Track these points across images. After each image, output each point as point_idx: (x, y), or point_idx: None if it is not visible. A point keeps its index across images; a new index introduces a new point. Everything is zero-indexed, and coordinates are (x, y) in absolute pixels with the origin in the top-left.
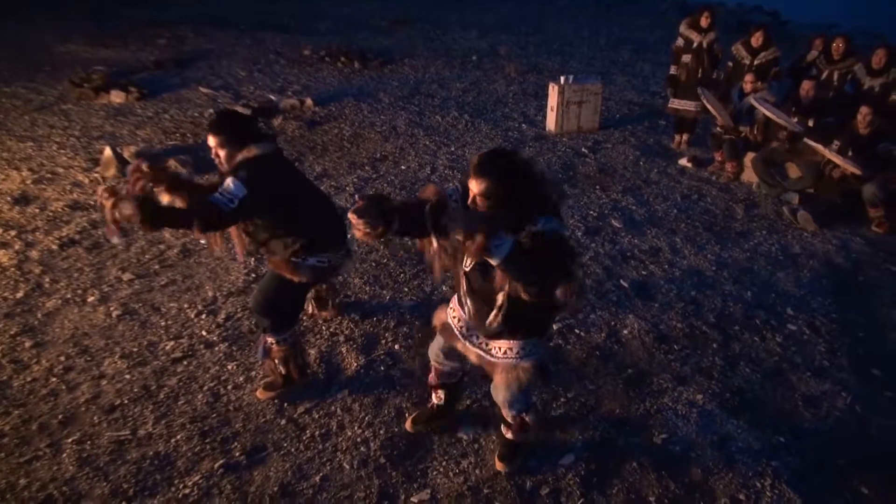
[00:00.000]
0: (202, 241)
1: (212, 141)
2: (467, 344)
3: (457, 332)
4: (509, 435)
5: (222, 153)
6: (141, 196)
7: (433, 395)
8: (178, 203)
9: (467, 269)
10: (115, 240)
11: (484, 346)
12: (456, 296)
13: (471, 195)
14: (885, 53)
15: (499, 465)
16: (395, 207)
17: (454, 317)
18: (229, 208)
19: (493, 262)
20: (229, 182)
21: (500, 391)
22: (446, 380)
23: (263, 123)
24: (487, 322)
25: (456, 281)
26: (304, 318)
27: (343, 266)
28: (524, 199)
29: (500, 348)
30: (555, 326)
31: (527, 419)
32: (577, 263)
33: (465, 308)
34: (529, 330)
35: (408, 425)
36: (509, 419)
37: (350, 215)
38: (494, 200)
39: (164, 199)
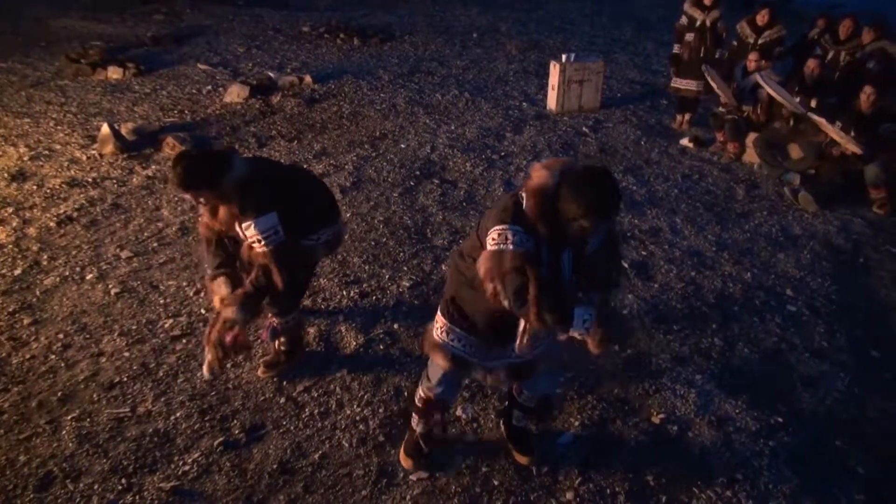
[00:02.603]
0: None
1: (190, 196)
2: (491, 364)
3: (472, 360)
4: (523, 423)
5: (205, 198)
6: (235, 298)
7: (421, 423)
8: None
9: None
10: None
11: (510, 353)
12: (447, 329)
13: (579, 231)
14: (870, 30)
15: (526, 461)
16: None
17: (462, 345)
18: (280, 238)
19: None
20: (251, 226)
21: (542, 381)
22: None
23: (262, 101)
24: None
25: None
26: (305, 297)
27: (344, 232)
28: None
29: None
30: None
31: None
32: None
33: (524, 337)
34: None
35: (404, 463)
36: (534, 405)
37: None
38: None
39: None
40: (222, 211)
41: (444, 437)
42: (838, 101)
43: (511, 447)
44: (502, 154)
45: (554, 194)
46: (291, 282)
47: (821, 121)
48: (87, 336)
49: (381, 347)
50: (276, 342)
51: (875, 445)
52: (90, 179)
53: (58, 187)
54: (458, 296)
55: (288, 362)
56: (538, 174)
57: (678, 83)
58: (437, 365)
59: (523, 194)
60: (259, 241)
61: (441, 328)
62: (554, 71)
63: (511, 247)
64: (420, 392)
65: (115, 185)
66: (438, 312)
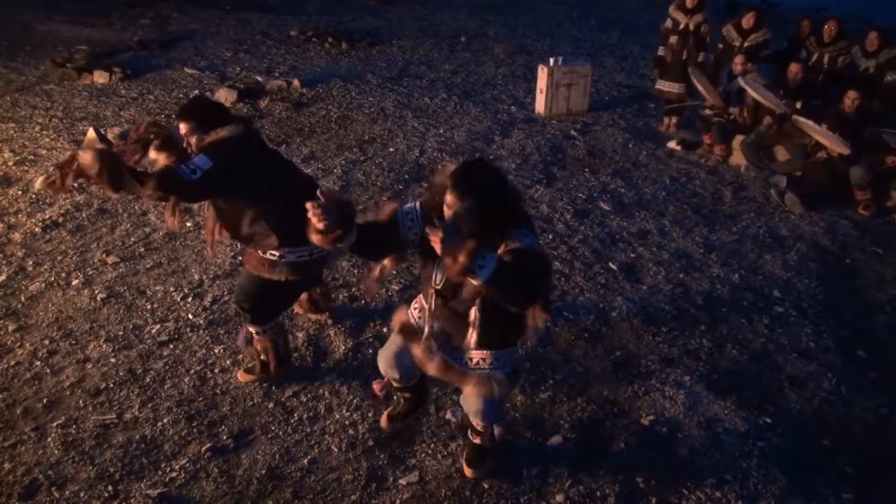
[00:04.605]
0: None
1: (183, 128)
2: (431, 350)
3: (418, 331)
4: (477, 441)
5: (193, 139)
6: (102, 150)
7: (397, 398)
8: (162, 162)
9: (439, 287)
10: (38, 186)
11: (455, 354)
12: (420, 307)
13: (446, 212)
14: (877, 36)
15: (467, 471)
16: (355, 221)
17: (419, 315)
18: (191, 178)
19: (476, 282)
20: (197, 156)
21: (471, 402)
22: (404, 384)
23: (250, 105)
24: (465, 343)
25: (424, 298)
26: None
27: (331, 259)
28: (502, 213)
29: (472, 359)
30: None
31: (497, 430)
32: (552, 276)
33: (435, 326)
34: (503, 340)
35: (383, 423)
36: (479, 428)
37: (308, 206)
38: (474, 217)
39: (151, 155)
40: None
41: (395, 415)
42: (823, 103)
43: (463, 454)
44: (491, 157)
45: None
46: (267, 293)
47: (807, 122)
48: (73, 342)
49: (371, 351)
50: (255, 350)
51: (862, 444)
52: (76, 184)
53: (43, 193)
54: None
55: (264, 373)
56: (447, 167)
57: (662, 85)
58: (393, 327)
59: None
60: (184, 164)
61: (417, 298)
62: (542, 74)
63: (397, 205)
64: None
65: (101, 190)
66: None
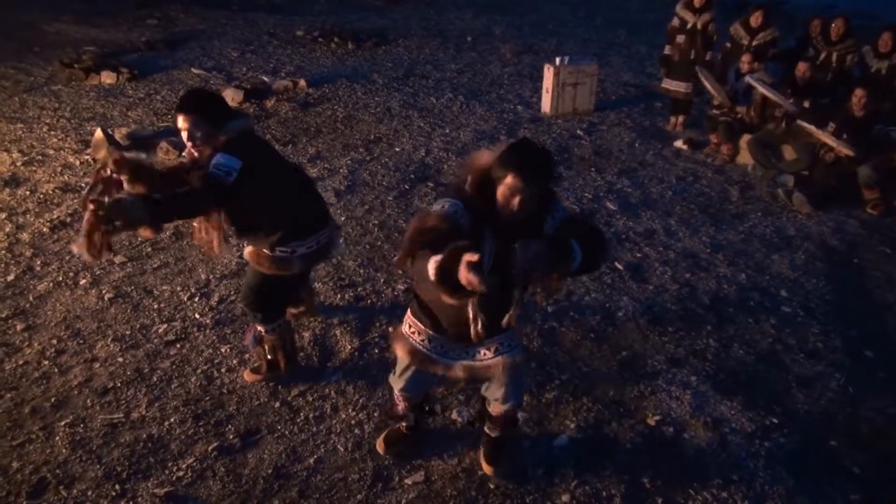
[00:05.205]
0: (197, 235)
1: (184, 122)
2: (450, 362)
3: (432, 355)
4: (496, 433)
5: (199, 133)
6: (140, 196)
7: (402, 419)
8: (139, 190)
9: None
10: (89, 257)
11: (470, 354)
12: (416, 329)
13: (506, 197)
14: (890, 36)
15: (487, 469)
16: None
17: (421, 339)
18: (229, 180)
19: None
20: (218, 157)
21: (498, 388)
22: (416, 405)
23: (256, 105)
24: (504, 322)
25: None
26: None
27: (333, 244)
28: (551, 189)
29: (490, 349)
30: (549, 309)
31: (518, 412)
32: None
33: (481, 320)
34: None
35: (379, 447)
36: (501, 413)
37: (470, 278)
38: (537, 199)
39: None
40: (204, 146)
41: (405, 434)
42: (831, 102)
43: (480, 453)
44: None
45: (489, 170)
46: (273, 288)
47: (810, 127)
48: (81, 341)
49: (377, 351)
50: (263, 349)
51: (870, 445)
52: (84, 185)
53: (51, 192)
54: (418, 288)
55: (272, 371)
56: (479, 154)
57: (668, 84)
58: (399, 357)
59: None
60: (213, 168)
61: (407, 321)
62: (548, 74)
63: (439, 209)
64: (390, 383)
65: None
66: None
